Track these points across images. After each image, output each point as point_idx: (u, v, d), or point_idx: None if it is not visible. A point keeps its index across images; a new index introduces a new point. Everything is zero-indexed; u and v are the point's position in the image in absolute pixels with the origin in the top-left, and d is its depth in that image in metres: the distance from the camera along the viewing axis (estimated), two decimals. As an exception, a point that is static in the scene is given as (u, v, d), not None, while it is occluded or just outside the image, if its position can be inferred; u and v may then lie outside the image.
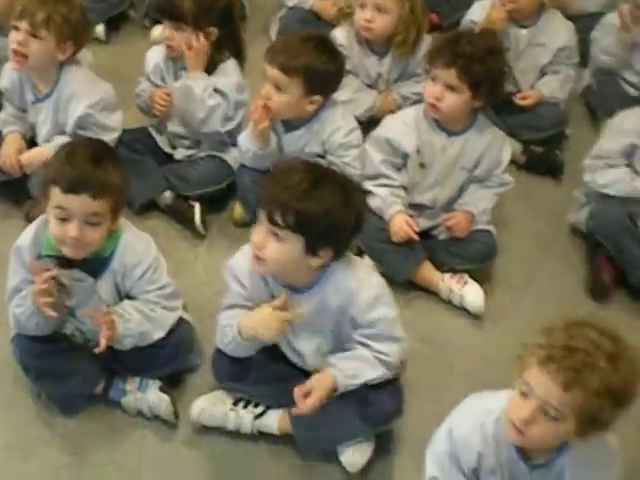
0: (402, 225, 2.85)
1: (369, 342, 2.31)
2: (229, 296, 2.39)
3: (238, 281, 2.35)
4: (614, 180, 2.98)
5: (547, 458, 2.01)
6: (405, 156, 2.92)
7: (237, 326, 2.32)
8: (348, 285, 2.27)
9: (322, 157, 2.93)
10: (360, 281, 2.29)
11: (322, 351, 2.37)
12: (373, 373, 2.31)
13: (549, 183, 3.49)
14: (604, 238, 3.02)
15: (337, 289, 2.28)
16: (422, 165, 2.93)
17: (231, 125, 3.06)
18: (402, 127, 2.93)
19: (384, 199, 2.90)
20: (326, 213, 2.14)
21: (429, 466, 2.13)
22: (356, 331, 2.32)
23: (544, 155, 3.51)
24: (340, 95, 3.05)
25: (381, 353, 2.30)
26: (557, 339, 1.84)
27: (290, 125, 2.94)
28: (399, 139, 2.91)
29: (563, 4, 3.91)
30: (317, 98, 2.84)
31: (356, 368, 2.30)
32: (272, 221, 2.15)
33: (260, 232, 2.20)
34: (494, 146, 2.93)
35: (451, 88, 2.79)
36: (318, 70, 2.79)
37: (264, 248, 2.18)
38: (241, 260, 2.34)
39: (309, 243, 2.17)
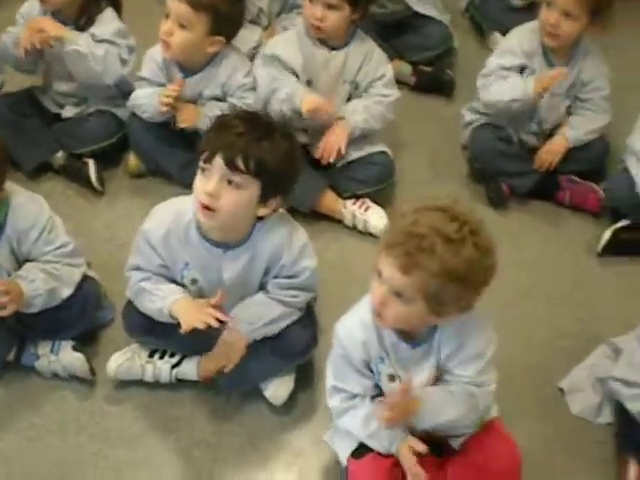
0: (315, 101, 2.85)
1: (283, 292, 2.33)
2: (139, 258, 2.34)
3: (152, 248, 2.31)
4: (510, 86, 3.01)
5: (425, 336, 2.07)
6: (294, 73, 2.92)
7: (167, 308, 2.29)
8: (279, 237, 2.29)
9: (221, 100, 2.91)
10: (290, 231, 2.31)
11: None
12: (285, 321, 2.35)
13: (441, 102, 3.53)
14: (481, 164, 3.14)
15: (268, 242, 2.28)
16: (309, 82, 2.94)
17: (128, 68, 2.99)
18: (286, 45, 2.94)
19: (289, 91, 2.87)
20: (282, 159, 2.16)
21: (327, 377, 2.18)
22: (274, 281, 2.33)
23: (433, 74, 3.54)
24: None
25: (292, 297, 2.35)
26: (401, 224, 1.88)
27: (187, 70, 2.90)
28: (286, 56, 2.92)
29: None
30: (219, 39, 2.82)
31: (259, 316, 2.33)
32: (233, 166, 2.12)
33: (212, 181, 2.14)
34: (373, 57, 2.96)
35: (331, 6, 2.81)
36: (224, 10, 2.76)
37: (218, 197, 2.14)
38: (158, 226, 2.29)
39: (264, 190, 2.17)
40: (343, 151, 2.93)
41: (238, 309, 2.34)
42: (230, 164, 2.12)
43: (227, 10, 2.77)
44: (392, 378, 2.13)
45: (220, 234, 2.26)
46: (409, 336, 2.07)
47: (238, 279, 2.32)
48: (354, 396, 2.15)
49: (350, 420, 2.15)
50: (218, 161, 2.13)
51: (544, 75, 2.97)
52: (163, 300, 2.30)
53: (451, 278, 1.85)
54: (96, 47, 2.91)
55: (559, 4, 2.92)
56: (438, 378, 2.13)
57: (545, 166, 3.09)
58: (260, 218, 2.26)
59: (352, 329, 2.10)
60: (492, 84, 3.05)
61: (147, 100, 2.90)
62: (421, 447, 2.06)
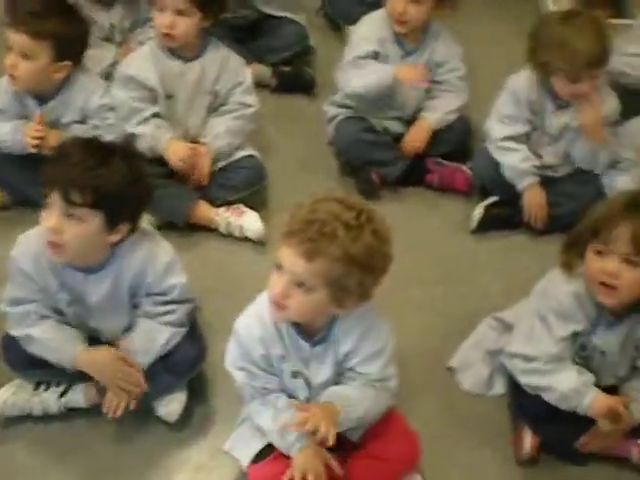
0: (183, 150, 2.86)
1: (160, 309, 2.31)
2: (14, 288, 2.28)
3: (25, 274, 2.25)
4: (368, 73, 3.05)
5: (324, 332, 2.09)
6: (152, 90, 2.89)
7: (72, 358, 2.27)
8: (142, 255, 2.26)
9: (82, 123, 2.87)
10: (152, 249, 2.28)
11: (123, 326, 2.35)
12: (174, 340, 2.33)
13: (304, 100, 3.54)
14: (348, 157, 3.18)
15: (131, 262, 2.25)
16: (169, 97, 2.92)
17: None
18: (141, 62, 2.92)
19: (152, 135, 2.88)
20: (122, 184, 2.12)
21: (235, 376, 2.17)
22: (148, 299, 2.31)
23: (293, 74, 3.55)
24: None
25: (167, 314, 2.32)
26: (299, 214, 1.91)
27: (41, 97, 2.85)
28: (141, 75, 2.89)
29: None
30: (65, 64, 2.77)
31: (152, 343, 2.31)
32: (69, 201, 2.08)
33: (53, 216, 2.11)
34: (230, 65, 2.95)
35: (180, 12, 2.79)
36: (66, 35, 2.73)
37: (62, 232, 2.11)
38: (26, 251, 2.24)
39: (108, 218, 2.13)
40: (206, 183, 2.94)
41: (127, 343, 2.30)
42: (67, 199, 2.09)
43: (68, 34, 2.74)
44: (295, 375, 2.14)
45: (77, 263, 2.23)
46: (308, 333, 2.08)
47: (106, 302, 2.29)
48: (266, 391, 2.14)
49: (261, 415, 2.15)
50: (56, 196, 2.10)
51: (406, 68, 3.02)
52: (60, 352, 2.27)
53: (353, 263, 1.89)
54: None
55: None
56: (339, 374, 2.14)
57: (412, 151, 3.13)
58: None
59: (250, 326, 2.10)
60: (350, 75, 3.08)
61: (11, 136, 2.84)
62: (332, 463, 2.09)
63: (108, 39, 3.32)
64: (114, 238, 2.19)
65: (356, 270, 1.90)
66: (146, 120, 2.90)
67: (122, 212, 2.17)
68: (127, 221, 2.20)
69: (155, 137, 2.88)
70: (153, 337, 2.31)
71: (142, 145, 2.89)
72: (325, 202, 1.93)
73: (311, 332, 2.09)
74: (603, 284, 2.15)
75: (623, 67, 3.07)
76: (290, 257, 1.90)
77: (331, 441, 2.00)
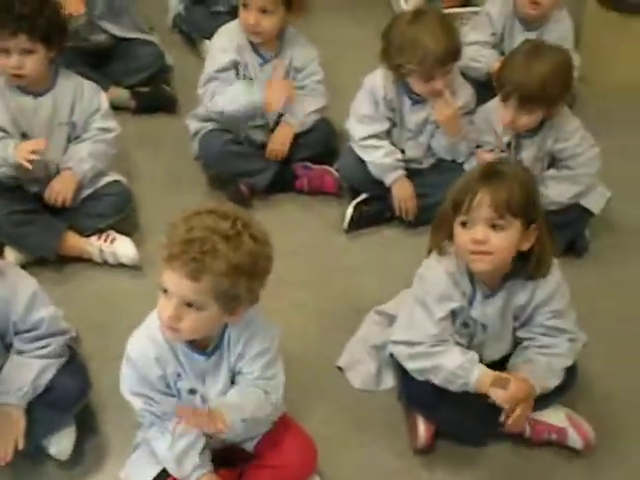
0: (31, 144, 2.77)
1: (31, 345, 2.26)
2: None
3: None
4: (235, 94, 3.05)
5: (216, 342, 2.10)
6: (4, 130, 2.81)
7: None
8: (1, 293, 2.19)
9: None
10: (13, 285, 2.22)
11: None
12: (49, 372, 2.27)
13: (166, 118, 3.51)
14: (215, 170, 3.18)
15: None
16: (24, 135, 2.84)
17: None
18: None
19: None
20: None
21: (133, 403, 2.13)
22: (18, 337, 2.25)
23: (152, 94, 3.52)
24: None
25: (40, 349, 2.27)
26: (177, 235, 1.89)
27: None
28: None
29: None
30: None
31: (23, 379, 2.24)
32: None
33: None
34: (84, 93, 2.89)
35: (25, 51, 2.71)
36: None
37: None
38: None
39: None
40: (68, 203, 2.87)
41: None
42: None
43: None
44: (192, 392, 2.13)
45: None
46: (201, 346, 2.08)
47: None
48: (166, 416, 2.12)
49: (158, 443, 2.13)
50: None
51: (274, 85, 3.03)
52: None
53: (239, 273, 1.89)
54: None
55: (255, 3, 2.99)
56: (232, 382, 2.14)
57: (276, 156, 3.15)
58: None
59: (144, 348, 2.08)
60: (215, 92, 3.08)
61: None
62: None
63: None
64: None
65: (243, 278, 1.91)
66: None
67: None
68: None
69: (2, 147, 2.78)
70: (21, 372, 2.24)
71: None
72: (199, 217, 1.92)
73: (204, 344, 2.09)
74: (474, 253, 2.19)
75: (469, 60, 3.15)
76: (175, 280, 1.89)
77: (222, 428, 2.00)
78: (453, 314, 2.32)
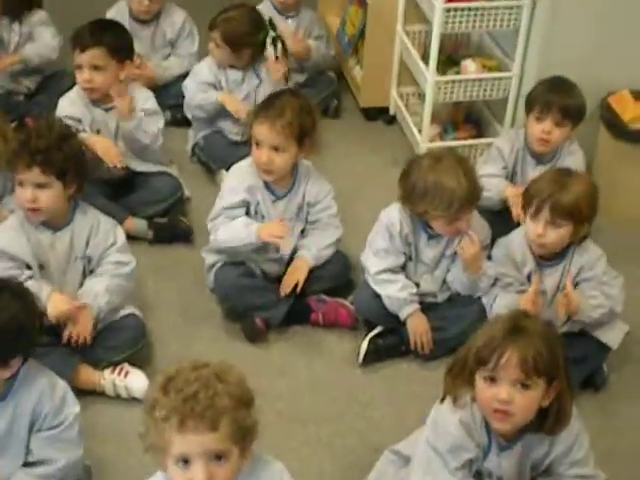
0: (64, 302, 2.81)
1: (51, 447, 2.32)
2: None
3: None
4: (237, 230, 3.08)
5: None
6: (24, 262, 2.85)
7: None
8: (40, 387, 2.28)
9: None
10: (50, 381, 2.33)
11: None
12: None
13: (183, 250, 3.52)
14: (230, 303, 3.19)
15: (30, 391, 2.26)
16: (41, 267, 2.87)
17: None
18: (11, 234, 2.86)
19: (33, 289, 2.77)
20: (12, 321, 2.14)
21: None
22: (40, 434, 2.30)
23: (169, 225, 3.55)
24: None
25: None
26: (174, 398, 1.84)
27: None
28: (11, 247, 2.84)
29: (150, 79, 4.06)
30: None
31: None
32: None
33: None
34: (100, 228, 2.92)
35: (40, 186, 2.76)
36: None
37: None
38: None
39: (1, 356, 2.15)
40: (89, 341, 2.88)
41: None
42: None
43: None
44: None
45: None
46: None
47: (3, 437, 2.28)
48: None
49: None
50: None
51: (269, 226, 3.06)
52: None
53: (242, 403, 1.87)
54: None
55: (267, 141, 3.04)
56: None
57: (290, 291, 3.14)
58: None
59: None
60: (220, 227, 3.11)
61: None
62: None
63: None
64: (6, 374, 2.20)
65: (246, 409, 1.88)
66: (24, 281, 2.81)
67: (14, 348, 2.19)
68: (20, 354, 2.21)
69: (36, 290, 2.77)
70: None
71: None
72: (180, 375, 1.87)
73: None
74: (497, 411, 2.17)
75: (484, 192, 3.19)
76: (195, 441, 1.83)
77: None
78: (469, 462, 2.28)
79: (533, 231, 2.89)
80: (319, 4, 4.94)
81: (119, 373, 2.89)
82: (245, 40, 3.82)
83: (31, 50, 4.09)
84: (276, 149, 3.04)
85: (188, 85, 3.90)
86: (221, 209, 3.13)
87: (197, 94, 3.84)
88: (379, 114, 4.37)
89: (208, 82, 3.86)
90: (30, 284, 2.79)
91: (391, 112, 4.34)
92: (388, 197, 3.11)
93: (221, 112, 3.83)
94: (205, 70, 3.89)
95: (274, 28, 4.00)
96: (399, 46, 4.18)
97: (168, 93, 4.00)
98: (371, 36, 4.23)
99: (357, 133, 4.29)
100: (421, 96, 4.12)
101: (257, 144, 3.07)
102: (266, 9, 4.22)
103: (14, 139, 2.94)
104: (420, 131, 4.01)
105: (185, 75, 4.16)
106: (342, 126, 4.27)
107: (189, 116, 3.93)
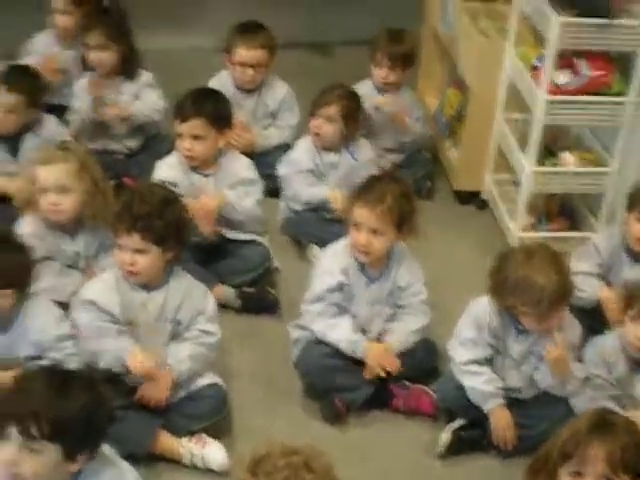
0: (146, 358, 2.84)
1: None
2: None
3: None
4: (339, 335, 3.09)
5: None
6: (113, 317, 2.88)
7: None
8: (107, 477, 2.23)
9: (39, 358, 2.83)
10: (117, 475, 2.27)
11: None
12: None
13: (269, 321, 3.52)
14: (312, 381, 3.16)
15: None
16: (129, 323, 2.91)
17: None
18: (104, 289, 2.91)
19: (117, 346, 2.85)
20: (82, 415, 2.10)
21: None
22: None
23: (257, 295, 3.56)
24: (40, 284, 2.99)
25: None
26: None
27: (-5, 327, 2.85)
28: (103, 300, 2.88)
29: (250, 144, 4.12)
30: (8, 292, 2.78)
31: None
32: (27, 434, 2.06)
33: (10, 448, 2.08)
34: (193, 294, 2.95)
35: (139, 251, 2.81)
36: (3, 263, 2.77)
37: (20, 466, 2.08)
38: None
39: (68, 449, 2.11)
40: (164, 403, 2.88)
41: None
42: (24, 432, 2.06)
43: (7, 263, 2.79)
44: None
45: None
46: None
47: None
48: None
49: None
50: (13, 429, 2.07)
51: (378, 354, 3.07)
52: None
53: None
54: None
55: (366, 224, 3.04)
56: None
57: (375, 376, 3.10)
58: None
59: None
60: (318, 317, 3.11)
61: None
62: None
63: (71, 266, 3.32)
64: (73, 468, 2.16)
65: None
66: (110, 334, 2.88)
67: (82, 442, 2.15)
68: (87, 450, 2.17)
69: (121, 347, 2.85)
70: None
71: (106, 359, 2.85)
72: (269, 461, 1.87)
73: None
74: None
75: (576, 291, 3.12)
76: None
77: None
78: None
79: (633, 334, 2.84)
80: (419, 84, 4.99)
81: (197, 442, 2.88)
82: (357, 117, 3.90)
83: (138, 108, 4.21)
84: (375, 232, 3.04)
85: (287, 176, 3.93)
86: (318, 294, 3.12)
87: (303, 188, 3.87)
88: (472, 198, 4.37)
89: (308, 169, 3.91)
90: (112, 349, 2.85)
91: (484, 197, 4.33)
92: (476, 285, 3.07)
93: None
94: (303, 156, 3.93)
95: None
96: (497, 132, 4.18)
97: (264, 162, 4.04)
98: (470, 120, 4.24)
99: (448, 216, 4.28)
100: (516, 184, 4.10)
101: (355, 225, 3.07)
102: (365, 88, 4.29)
103: (116, 201, 3.00)
104: (513, 219, 3.99)
105: (282, 146, 4.24)
106: (434, 208, 4.26)
107: (295, 206, 3.93)
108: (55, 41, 4.50)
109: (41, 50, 4.48)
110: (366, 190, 3.09)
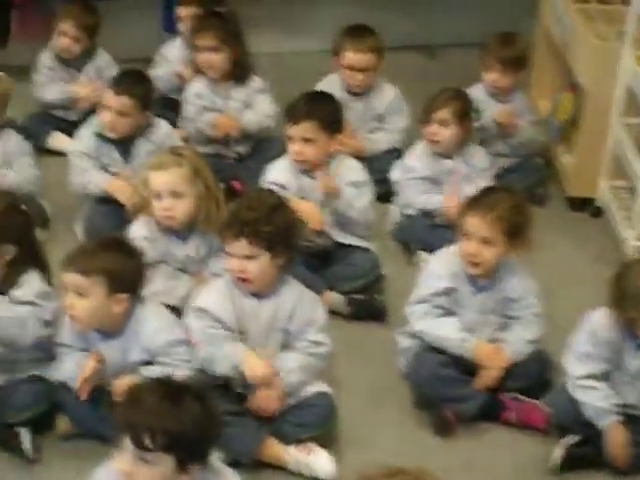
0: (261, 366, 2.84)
1: None
2: None
3: None
4: (445, 336, 3.05)
5: None
6: (226, 324, 2.89)
7: None
8: None
9: (150, 363, 2.86)
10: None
11: None
12: None
13: (377, 328, 3.49)
14: (422, 391, 3.10)
15: None
16: (241, 332, 2.91)
17: (50, 330, 2.93)
18: (216, 297, 2.92)
19: (231, 351, 2.85)
20: (194, 426, 2.13)
21: None
22: None
23: (366, 302, 3.52)
24: (151, 287, 3.03)
25: None
26: None
27: (105, 333, 2.88)
28: (216, 308, 2.90)
29: (358, 150, 4.08)
30: (123, 297, 2.80)
31: None
32: (141, 446, 2.09)
33: (126, 460, 2.13)
34: (304, 304, 2.93)
35: (249, 257, 2.81)
36: (117, 268, 2.79)
37: (134, 475, 2.13)
38: None
39: (180, 460, 2.14)
40: (276, 412, 2.88)
41: None
42: (138, 444, 2.09)
43: (121, 266, 2.80)
44: None
45: None
46: None
47: None
48: None
49: None
50: (128, 440, 2.11)
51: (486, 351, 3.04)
52: None
53: None
54: (14, 309, 2.86)
55: (477, 233, 2.99)
56: None
57: (488, 383, 3.05)
58: None
59: None
60: (423, 317, 3.07)
61: (74, 374, 2.85)
62: None
63: (182, 270, 3.35)
64: (186, 478, 2.18)
65: None
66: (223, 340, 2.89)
67: (194, 453, 2.17)
68: (199, 460, 2.19)
69: (236, 353, 2.86)
70: None
71: (222, 366, 2.86)
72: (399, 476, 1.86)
73: None
74: None
75: None
76: None
77: None
78: None
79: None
80: (531, 88, 4.88)
81: (304, 451, 2.87)
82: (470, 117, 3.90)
83: (250, 118, 4.23)
84: (485, 242, 2.98)
85: (401, 183, 3.90)
86: (424, 296, 3.09)
87: (417, 195, 3.83)
88: (585, 205, 4.25)
89: (423, 176, 3.86)
90: (227, 354, 2.85)
91: (598, 204, 4.21)
92: (591, 295, 3.00)
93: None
94: (418, 163, 3.88)
95: (477, 112, 4.01)
96: (613, 137, 4.06)
97: (373, 167, 4.00)
98: (585, 125, 4.14)
99: (561, 223, 4.18)
100: (633, 191, 3.97)
101: (466, 235, 3.02)
102: (478, 91, 4.22)
103: (226, 208, 3.01)
104: (630, 227, 3.86)
105: (392, 150, 4.21)
106: (546, 214, 4.14)
107: (407, 211, 3.89)
108: (184, 46, 4.59)
109: (170, 58, 4.62)
110: (478, 199, 3.05)
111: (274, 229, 2.82)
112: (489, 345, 3.08)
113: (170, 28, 4.94)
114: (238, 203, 2.95)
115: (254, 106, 4.26)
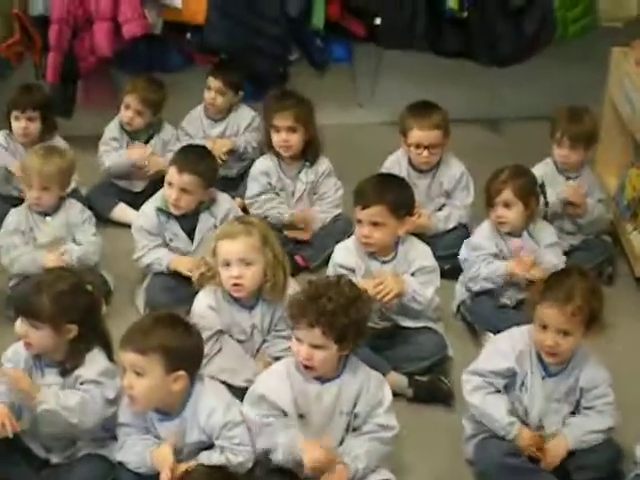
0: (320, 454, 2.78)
1: None
2: None
3: None
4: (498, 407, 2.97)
5: None
6: (283, 411, 2.85)
7: None
8: None
9: (209, 446, 2.83)
10: None
11: None
12: None
13: (441, 412, 3.40)
14: (484, 477, 3.02)
15: None
16: (301, 416, 2.86)
17: (114, 408, 2.92)
18: (276, 381, 2.88)
19: (288, 445, 2.80)
20: None
21: None
22: None
23: (431, 385, 3.43)
24: (214, 365, 3.03)
25: None
26: None
27: (164, 414, 2.85)
28: (274, 395, 2.85)
29: (423, 228, 4.04)
30: (181, 374, 2.78)
31: None
32: None
33: None
34: (370, 385, 2.88)
35: (316, 347, 2.77)
36: (174, 344, 2.76)
37: None
38: None
39: None
40: None
41: None
42: None
43: (178, 342, 2.78)
44: None
45: None
46: None
47: None
48: None
49: None
50: None
51: None
52: None
53: None
54: (67, 398, 2.85)
55: (554, 325, 2.89)
56: None
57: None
58: None
59: None
60: (478, 390, 3.00)
61: (138, 458, 2.83)
62: None
63: (245, 341, 3.30)
64: None
65: None
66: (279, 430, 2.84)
67: None
68: None
69: (291, 441, 2.80)
70: None
71: (280, 453, 2.81)
72: None
73: None
74: None
75: None
76: None
77: None
78: None
79: None
80: (597, 164, 4.80)
81: None
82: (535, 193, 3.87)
83: (319, 217, 4.26)
84: (564, 333, 2.89)
85: (469, 260, 3.82)
86: (484, 370, 3.01)
87: (483, 266, 3.75)
88: (656, 285, 4.14)
89: (491, 254, 3.78)
90: (284, 442, 2.80)
91: (670, 285, 4.10)
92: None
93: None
94: (485, 242, 3.81)
95: (544, 194, 3.97)
96: (683, 217, 3.96)
97: (439, 244, 3.96)
98: (655, 203, 4.05)
99: (631, 304, 4.06)
100: None
101: (544, 327, 2.91)
102: (546, 167, 4.18)
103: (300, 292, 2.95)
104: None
105: (458, 226, 4.16)
106: (615, 294, 4.01)
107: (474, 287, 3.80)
108: (205, 116, 4.74)
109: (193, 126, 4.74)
110: (554, 286, 2.95)
111: (349, 322, 2.77)
112: (531, 433, 2.97)
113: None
114: (314, 287, 2.88)
115: (323, 189, 4.28)
